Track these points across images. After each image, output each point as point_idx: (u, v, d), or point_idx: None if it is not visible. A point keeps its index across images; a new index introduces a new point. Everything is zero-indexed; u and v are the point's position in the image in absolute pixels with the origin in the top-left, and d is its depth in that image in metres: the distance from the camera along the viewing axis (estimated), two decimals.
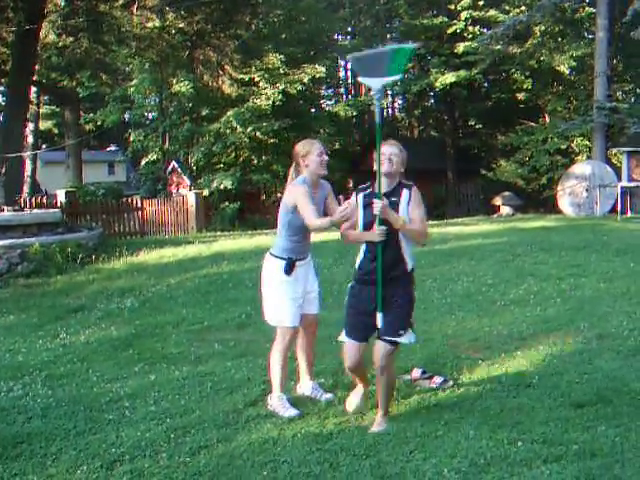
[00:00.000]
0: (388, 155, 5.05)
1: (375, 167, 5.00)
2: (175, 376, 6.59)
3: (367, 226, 5.07)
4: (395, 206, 5.01)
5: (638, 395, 5.55)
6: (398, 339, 5.05)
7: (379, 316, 5.04)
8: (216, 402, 5.78)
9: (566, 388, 5.78)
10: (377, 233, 4.95)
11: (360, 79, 5.17)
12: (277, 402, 5.49)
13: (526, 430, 4.90)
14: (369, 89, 5.34)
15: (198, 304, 9.59)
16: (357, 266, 5.24)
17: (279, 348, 5.57)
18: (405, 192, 5.08)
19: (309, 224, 5.34)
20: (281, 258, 5.54)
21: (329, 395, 5.74)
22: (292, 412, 5.37)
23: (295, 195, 5.40)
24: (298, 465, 4.49)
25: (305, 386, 5.86)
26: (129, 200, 23.76)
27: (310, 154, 5.39)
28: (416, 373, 6.15)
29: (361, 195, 5.19)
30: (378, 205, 4.88)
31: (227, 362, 6.92)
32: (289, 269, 5.51)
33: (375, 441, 4.81)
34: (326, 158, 5.47)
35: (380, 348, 5.03)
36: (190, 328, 8.46)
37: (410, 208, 5.06)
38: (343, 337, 5.25)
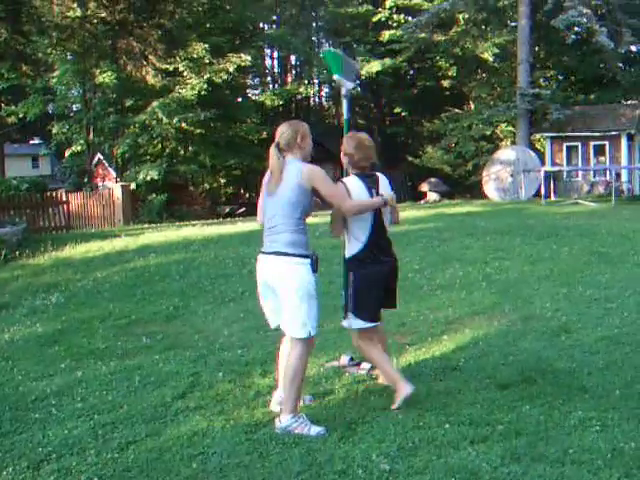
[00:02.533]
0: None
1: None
2: (102, 371, 6.50)
3: None
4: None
5: (561, 374, 5.69)
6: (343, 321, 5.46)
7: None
8: (144, 396, 5.71)
9: (492, 370, 5.89)
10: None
11: (335, 77, 5.89)
12: (297, 423, 4.82)
13: (453, 412, 4.97)
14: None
15: (125, 298, 9.47)
16: (362, 248, 5.23)
17: (305, 360, 4.95)
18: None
19: (348, 208, 5.03)
20: (305, 256, 4.87)
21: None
22: (320, 430, 4.78)
23: (317, 176, 4.90)
24: (228, 456, 4.48)
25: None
26: (54, 194, 23.32)
27: (308, 137, 5.07)
28: (344, 360, 6.19)
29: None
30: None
31: (155, 355, 6.85)
32: (317, 266, 4.94)
33: None
34: None
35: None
36: (117, 322, 8.35)
37: None
38: (367, 324, 5.29)
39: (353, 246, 5.24)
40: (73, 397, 5.84)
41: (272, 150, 4.97)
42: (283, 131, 5.00)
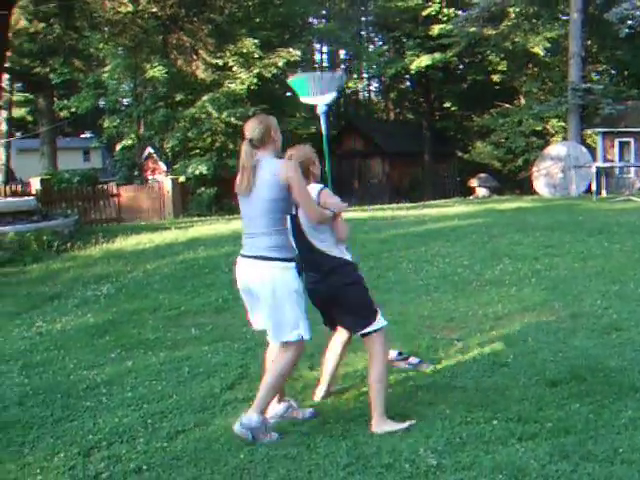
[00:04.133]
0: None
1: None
2: (152, 362, 6.58)
3: None
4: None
5: (611, 372, 5.61)
6: None
7: None
8: (193, 387, 5.78)
9: (540, 367, 5.83)
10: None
11: (302, 99, 6.14)
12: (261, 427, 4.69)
13: (501, 409, 4.95)
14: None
15: (175, 289, 9.57)
16: (350, 258, 5.02)
17: (291, 366, 4.82)
18: None
19: (317, 216, 4.74)
20: (289, 260, 4.67)
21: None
22: (274, 436, 4.71)
23: (293, 172, 4.62)
24: (275, 447, 4.51)
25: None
26: (105, 187, 23.63)
27: (279, 130, 4.82)
28: (392, 354, 6.18)
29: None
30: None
31: (204, 347, 6.91)
32: (300, 270, 4.75)
33: (352, 422, 4.84)
34: None
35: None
36: (167, 314, 8.44)
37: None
38: (383, 321, 4.98)
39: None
40: (123, 386, 5.93)
41: (245, 147, 4.69)
42: (254, 127, 4.69)
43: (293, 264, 4.66)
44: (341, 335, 5.27)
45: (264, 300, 4.67)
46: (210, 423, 5.01)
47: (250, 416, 4.65)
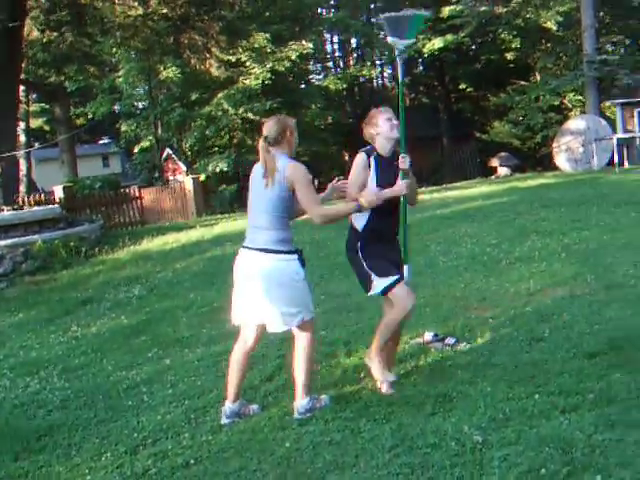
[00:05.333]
0: (394, 121, 5.14)
1: (393, 127, 5.11)
2: (189, 358, 6.64)
3: (384, 187, 5.05)
4: (396, 169, 5.08)
5: None
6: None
7: (406, 268, 5.17)
8: None
9: (577, 339, 5.82)
10: (405, 185, 5.01)
11: (388, 38, 5.32)
12: (314, 403, 4.98)
13: (542, 383, 4.95)
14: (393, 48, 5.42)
15: (205, 287, 9.63)
16: (363, 227, 5.13)
17: (313, 345, 5.03)
18: (400, 158, 5.08)
19: (318, 215, 4.90)
20: (291, 252, 4.87)
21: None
22: (326, 399, 5.05)
23: (298, 174, 4.83)
24: (320, 434, 4.53)
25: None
26: (127, 190, 23.74)
27: (295, 132, 4.99)
28: (428, 336, 6.19)
29: (372, 158, 5.13)
30: (407, 159, 5.03)
31: None
32: (304, 261, 4.93)
33: (394, 405, 4.85)
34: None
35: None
36: (200, 311, 8.50)
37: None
38: (386, 281, 5.04)
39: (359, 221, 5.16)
40: (163, 384, 5.99)
41: (261, 143, 4.91)
42: (271, 126, 4.92)
43: (296, 256, 4.86)
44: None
45: (267, 292, 4.80)
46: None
47: (301, 403, 4.90)
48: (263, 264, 4.83)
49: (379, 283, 5.04)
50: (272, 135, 4.87)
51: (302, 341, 4.94)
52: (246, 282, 4.92)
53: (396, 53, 5.33)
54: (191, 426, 5.00)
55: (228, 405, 5.04)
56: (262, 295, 4.83)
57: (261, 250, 4.85)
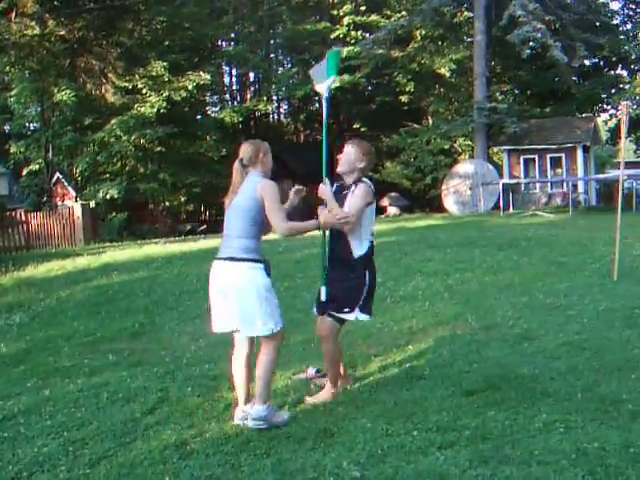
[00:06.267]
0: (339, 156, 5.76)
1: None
2: (70, 389, 6.48)
3: None
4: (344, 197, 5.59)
5: (524, 380, 5.80)
6: (341, 315, 5.56)
7: (323, 290, 5.58)
8: (113, 412, 5.71)
9: (456, 378, 5.99)
10: (323, 214, 5.55)
11: (316, 87, 5.93)
12: (270, 413, 5.16)
13: (420, 420, 5.05)
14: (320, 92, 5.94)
15: (89, 316, 9.44)
16: (365, 253, 5.55)
17: (274, 355, 5.21)
18: (354, 186, 5.60)
19: (284, 229, 5.15)
20: (258, 261, 5.11)
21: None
22: (285, 416, 5.26)
23: (268, 190, 5.11)
24: (200, 469, 4.50)
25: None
26: (13, 214, 23.10)
27: (268, 154, 5.42)
28: (310, 372, 6.25)
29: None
30: (320, 187, 5.62)
31: (122, 372, 6.83)
32: (270, 271, 5.18)
33: (275, 440, 4.87)
34: None
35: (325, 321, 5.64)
36: (82, 340, 8.31)
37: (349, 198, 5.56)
38: (369, 317, 5.74)
39: (364, 245, 5.53)
40: (41, 415, 5.81)
41: (236, 165, 5.33)
42: (245, 148, 5.35)
43: (262, 265, 5.13)
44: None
45: (236, 299, 5.08)
46: (133, 448, 4.96)
47: (257, 409, 5.11)
48: (229, 272, 5.13)
49: (362, 316, 5.60)
50: (247, 157, 5.31)
51: (267, 349, 5.19)
52: (217, 291, 5.22)
53: (325, 96, 5.83)
54: (69, 459, 4.87)
55: (242, 408, 5.26)
56: (231, 302, 5.11)
57: (227, 259, 5.16)
